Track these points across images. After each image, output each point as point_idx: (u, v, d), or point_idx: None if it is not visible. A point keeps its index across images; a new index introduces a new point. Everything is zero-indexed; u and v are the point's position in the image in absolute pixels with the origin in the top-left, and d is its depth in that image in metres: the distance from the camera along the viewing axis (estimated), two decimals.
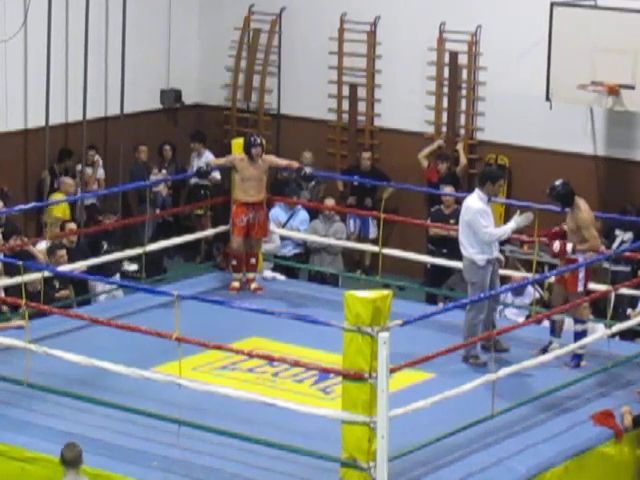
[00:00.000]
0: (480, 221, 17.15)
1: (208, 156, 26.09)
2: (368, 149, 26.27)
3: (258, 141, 19.69)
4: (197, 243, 24.97)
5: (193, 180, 26.24)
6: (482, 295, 17.03)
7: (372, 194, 25.44)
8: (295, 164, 20.44)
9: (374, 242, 23.37)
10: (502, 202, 24.16)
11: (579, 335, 17.28)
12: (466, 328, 17.30)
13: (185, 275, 22.05)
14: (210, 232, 22.66)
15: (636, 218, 22.31)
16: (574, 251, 17.26)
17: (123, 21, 26.37)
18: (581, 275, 17.33)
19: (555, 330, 17.56)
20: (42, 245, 21.20)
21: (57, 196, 24.19)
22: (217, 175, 25.42)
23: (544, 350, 17.33)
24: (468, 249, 17.40)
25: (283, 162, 20.44)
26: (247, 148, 19.59)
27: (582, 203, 17.39)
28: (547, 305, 20.49)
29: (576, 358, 17.24)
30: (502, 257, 18.87)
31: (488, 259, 17.36)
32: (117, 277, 21.72)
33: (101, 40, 26.34)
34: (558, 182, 17.66)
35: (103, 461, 14.75)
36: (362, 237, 24.75)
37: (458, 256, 21.39)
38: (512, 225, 17.42)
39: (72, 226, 22.31)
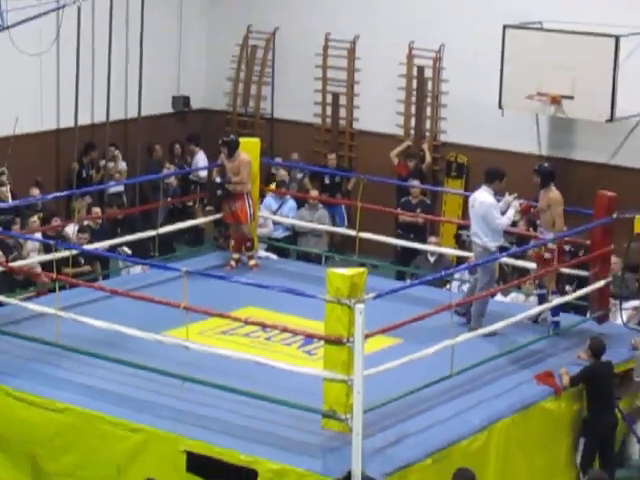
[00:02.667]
0: (494, 213, 17.21)
1: (201, 156, 26.12)
2: (335, 150, 26.34)
3: (224, 139, 19.70)
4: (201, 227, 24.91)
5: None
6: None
7: (340, 189, 25.47)
8: (243, 175, 19.56)
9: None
10: (461, 193, 24.26)
11: (556, 308, 17.51)
12: (478, 305, 17.27)
13: (191, 254, 22.06)
14: (207, 219, 22.60)
15: (566, 207, 22.37)
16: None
17: (141, 35, 26.36)
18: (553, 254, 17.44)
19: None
20: (71, 228, 21.18)
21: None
22: (203, 173, 25.66)
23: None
24: (483, 238, 17.32)
25: (243, 169, 19.55)
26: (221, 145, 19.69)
27: (555, 188, 17.53)
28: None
29: (555, 324, 17.51)
30: None
31: (499, 245, 17.44)
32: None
33: (122, 52, 26.34)
34: (546, 163, 18.23)
35: (121, 411, 14.83)
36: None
37: (423, 240, 21.46)
38: (512, 211, 17.49)
39: (97, 210, 22.24)
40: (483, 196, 17.42)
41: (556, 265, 17.36)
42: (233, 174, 19.47)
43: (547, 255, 17.37)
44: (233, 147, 19.48)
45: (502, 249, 18.49)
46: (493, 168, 18.23)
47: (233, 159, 19.45)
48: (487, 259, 17.25)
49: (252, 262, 20.02)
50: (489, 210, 17.23)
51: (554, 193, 17.46)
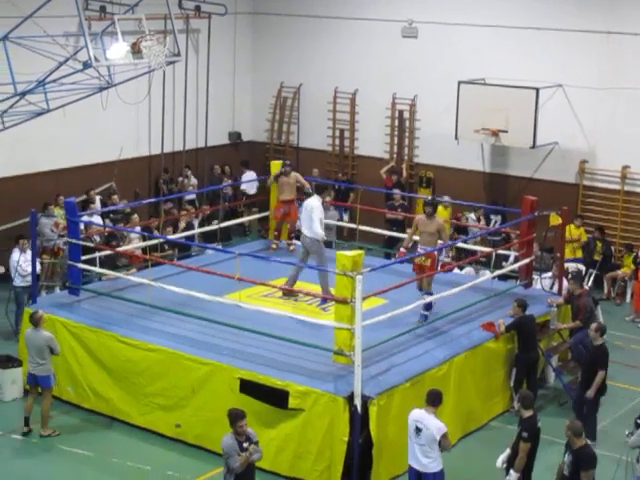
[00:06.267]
0: (317, 214, 16.84)
1: (250, 173, 25.93)
2: (343, 171, 26.25)
3: (287, 163, 19.63)
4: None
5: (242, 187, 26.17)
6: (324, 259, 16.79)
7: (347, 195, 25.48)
8: (307, 185, 19.83)
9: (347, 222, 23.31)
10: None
11: (428, 304, 15.99)
12: (323, 283, 16.49)
13: (242, 242, 22.08)
14: (255, 216, 22.66)
15: (502, 208, 22.33)
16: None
17: (207, 89, 26.34)
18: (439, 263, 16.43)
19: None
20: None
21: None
22: (249, 191, 25.49)
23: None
24: (313, 230, 16.86)
25: (302, 181, 19.92)
26: (282, 168, 19.56)
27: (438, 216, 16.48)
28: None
29: (424, 316, 15.99)
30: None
31: (322, 237, 16.99)
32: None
33: (193, 101, 26.26)
34: (432, 197, 17.15)
35: (195, 350, 14.90)
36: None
37: (403, 231, 21.41)
38: (323, 234, 17.00)
39: (175, 212, 22.26)
40: (313, 201, 17.07)
41: (434, 271, 16.07)
42: (288, 186, 19.42)
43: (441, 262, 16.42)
44: (290, 169, 19.46)
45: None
46: (323, 184, 18.09)
47: (289, 177, 19.41)
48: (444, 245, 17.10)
49: (292, 247, 19.86)
50: (314, 212, 16.86)
51: (440, 220, 16.38)
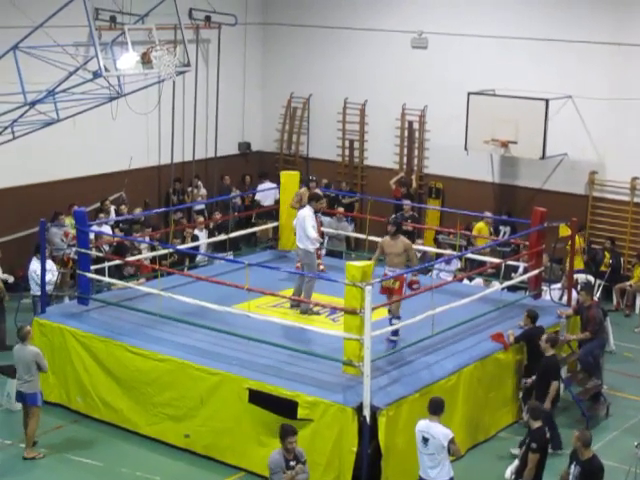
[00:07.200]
0: (309, 223, 16.75)
1: (269, 184, 25.77)
2: (351, 180, 26.30)
3: (312, 178, 19.20)
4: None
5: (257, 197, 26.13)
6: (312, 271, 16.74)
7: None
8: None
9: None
10: (438, 209, 24.26)
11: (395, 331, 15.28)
12: (306, 291, 16.54)
13: (251, 252, 22.07)
14: (266, 226, 22.58)
15: (509, 218, 22.28)
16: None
17: (217, 100, 26.35)
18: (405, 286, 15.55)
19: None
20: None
21: None
22: (264, 202, 25.36)
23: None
24: (304, 241, 16.79)
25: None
26: (306, 184, 19.29)
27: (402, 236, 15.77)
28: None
29: (392, 342, 15.27)
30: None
31: (313, 249, 16.91)
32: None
33: (203, 111, 26.25)
34: (395, 216, 16.82)
35: (204, 360, 14.87)
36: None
37: (412, 241, 21.25)
38: (317, 237, 17.00)
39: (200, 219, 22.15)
40: (304, 211, 17.00)
41: (403, 295, 15.28)
42: None
43: (411, 284, 15.58)
44: (315, 184, 19.04)
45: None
46: (313, 193, 17.77)
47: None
48: (454, 256, 17.00)
49: (322, 267, 18.88)
50: (305, 221, 16.78)
51: (405, 239, 15.76)
